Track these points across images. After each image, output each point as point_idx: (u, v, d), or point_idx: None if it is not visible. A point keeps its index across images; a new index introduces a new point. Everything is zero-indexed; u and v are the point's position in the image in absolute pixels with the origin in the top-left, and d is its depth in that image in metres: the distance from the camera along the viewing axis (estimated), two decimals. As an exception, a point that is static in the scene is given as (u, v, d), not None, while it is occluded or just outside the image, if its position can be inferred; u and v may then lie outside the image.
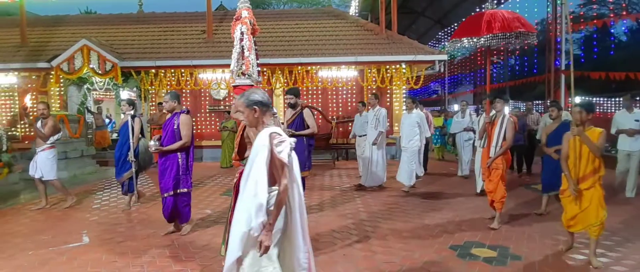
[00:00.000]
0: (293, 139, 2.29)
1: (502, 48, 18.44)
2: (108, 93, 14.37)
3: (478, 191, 6.33)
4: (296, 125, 5.09)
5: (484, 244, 4.11)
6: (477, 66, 21.83)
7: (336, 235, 4.49)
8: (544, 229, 4.60)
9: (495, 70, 23.32)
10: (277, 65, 10.73)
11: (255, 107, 2.30)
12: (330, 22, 12.44)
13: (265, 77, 10.87)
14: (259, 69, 3.72)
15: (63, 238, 4.46)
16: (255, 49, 3.67)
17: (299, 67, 10.72)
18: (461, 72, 24.48)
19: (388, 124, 7.47)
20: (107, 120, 13.61)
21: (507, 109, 4.88)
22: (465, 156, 8.03)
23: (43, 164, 5.75)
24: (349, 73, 11.04)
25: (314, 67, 10.81)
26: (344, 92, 11.45)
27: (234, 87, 3.54)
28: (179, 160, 4.41)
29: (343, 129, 11.17)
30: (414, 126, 6.70)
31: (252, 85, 3.50)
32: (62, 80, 10.71)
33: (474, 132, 7.46)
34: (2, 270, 3.59)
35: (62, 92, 11.32)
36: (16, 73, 11.03)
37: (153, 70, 10.76)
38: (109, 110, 15.13)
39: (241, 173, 3.36)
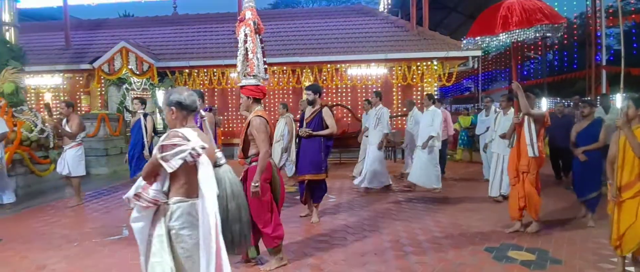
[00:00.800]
0: (199, 144, 2.02)
1: (539, 42, 17.66)
2: (145, 93, 14.92)
3: (492, 195, 5.87)
4: (314, 124, 4.76)
5: (521, 247, 3.97)
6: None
7: (367, 234, 4.47)
8: (585, 233, 4.39)
9: (532, 66, 22.36)
10: (305, 64, 10.78)
11: (173, 107, 2.15)
12: (360, 20, 12.36)
13: (295, 75, 10.95)
14: (266, 67, 3.70)
15: (105, 231, 4.69)
16: (262, 47, 3.67)
17: (328, 65, 10.72)
18: (496, 68, 23.62)
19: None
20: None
21: (545, 105, 4.48)
22: (489, 158, 6.95)
23: (71, 160, 5.89)
24: (378, 71, 10.94)
25: (343, 65, 10.78)
26: (374, 90, 11.34)
27: (241, 87, 3.55)
28: None
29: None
30: (429, 125, 6.49)
31: (258, 85, 3.51)
32: (103, 81, 11.24)
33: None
34: (52, 259, 3.82)
35: (103, 92, 11.87)
36: (61, 74, 11.67)
37: (187, 70, 11.09)
38: (146, 109, 15.86)
39: (245, 172, 3.41)
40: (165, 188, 2.13)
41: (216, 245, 2.01)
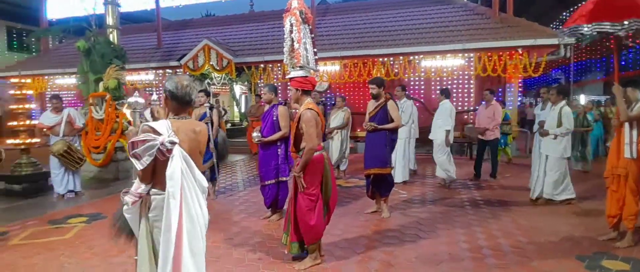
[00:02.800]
0: (168, 139, 1.93)
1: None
2: (224, 87, 15.92)
3: (533, 197, 5.45)
4: (379, 118, 4.70)
5: (616, 256, 3.56)
6: (610, 50, 18.52)
7: (440, 232, 4.30)
8: None
9: (630, 55, 19.54)
10: (378, 56, 10.62)
11: (166, 94, 2.12)
12: (436, 9, 11.85)
13: (366, 68, 10.84)
14: (316, 57, 3.60)
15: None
16: (312, 37, 3.59)
17: (401, 58, 10.44)
18: (590, 58, 21.02)
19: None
20: (222, 112, 15.15)
21: None
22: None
23: None
24: (454, 62, 10.39)
25: (416, 56, 10.42)
26: (449, 82, 10.82)
27: (290, 79, 3.45)
28: (278, 150, 4.63)
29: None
30: (437, 118, 6.52)
31: (306, 77, 3.39)
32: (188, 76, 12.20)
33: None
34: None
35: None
36: (154, 71, 12.91)
37: (262, 65, 11.57)
38: (224, 102, 16.84)
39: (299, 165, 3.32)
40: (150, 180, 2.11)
41: (175, 249, 1.92)
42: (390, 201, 5.19)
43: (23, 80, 6.78)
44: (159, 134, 1.95)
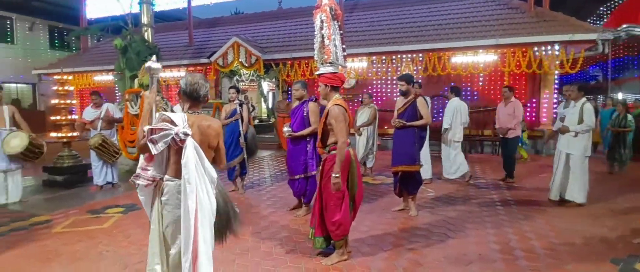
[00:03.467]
0: (182, 130, 2.13)
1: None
2: (252, 84, 16.16)
3: (551, 197, 5.33)
4: (408, 115, 4.69)
5: (653, 261, 3.40)
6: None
7: (469, 232, 4.22)
8: None
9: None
10: (407, 53, 10.47)
11: (180, 93, 2.33)
12: (468, 3, 11.54)
13: (394, 65, 10.72)
14: (345, 54, 3.60)
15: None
16: (341, 33, 3.60)
17: (430, 54, 10.25)
18: (628, 54, 19.87)
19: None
20: (251, 108, 15.39)
21: None
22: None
23: None
24: (486, 58, 10.10)
25: (446, 53, 10.20)
26: (481, 78, 10.54)
27: (319, 75, 3.48)
28: (307, 146, 4.68)
29: (476, 118, 10.31)
30: (445, 116, 6.60)
31: (336, 73, 3.41)
32: (218, 73, 12.46)
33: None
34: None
35: (217, 84, 13.18)
36: (185, 69, 13.26)
37: (289, 62, 11.65)
38: (252, 99, 17.11)
39: (326, 160, 3.37)
40: (164, 166, 2.34)
41: (194, 231, 2.12)
42: (418, 199, 5.14)
43: (64, 77, 7.13)
44: (175, 125, 2.16)
